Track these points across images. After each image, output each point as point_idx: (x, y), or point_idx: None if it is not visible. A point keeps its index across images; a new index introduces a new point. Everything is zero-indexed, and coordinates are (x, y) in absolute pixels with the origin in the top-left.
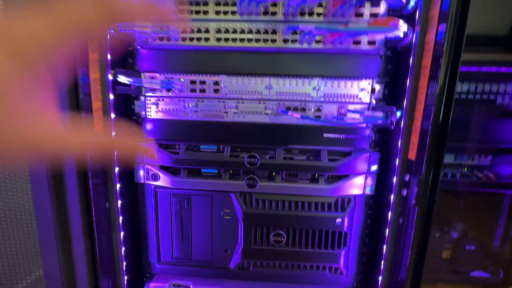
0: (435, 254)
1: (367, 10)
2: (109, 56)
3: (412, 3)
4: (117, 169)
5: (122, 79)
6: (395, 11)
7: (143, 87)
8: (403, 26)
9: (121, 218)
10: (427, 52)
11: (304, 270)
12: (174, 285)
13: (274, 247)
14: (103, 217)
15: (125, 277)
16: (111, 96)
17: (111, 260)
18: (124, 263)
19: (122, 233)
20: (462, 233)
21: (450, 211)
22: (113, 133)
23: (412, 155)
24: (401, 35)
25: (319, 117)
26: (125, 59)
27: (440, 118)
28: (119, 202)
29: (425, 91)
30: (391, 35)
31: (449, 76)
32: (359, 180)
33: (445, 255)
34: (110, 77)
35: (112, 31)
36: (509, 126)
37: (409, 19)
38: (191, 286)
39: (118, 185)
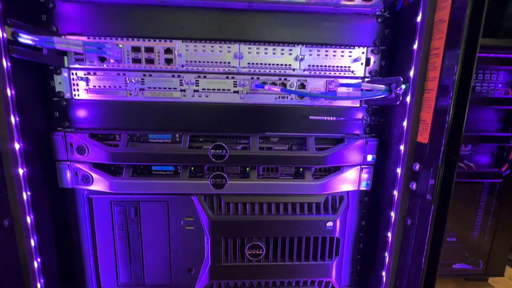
0: None
1: None
2: None
3: None
4: (23, 170)
5: (24, 38)
6: None
7: (63, 53)
8: None
9: (34, 239)
10: (441, 3)
11: None
12: None
13: (251, 263)
14: None
15: None
16: (5, 63)
17: None
18: None
19: (38, 260)
20: None
21: None
22: (14, 118)
23: (423, 138)
24: None
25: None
26: (37, 16)
27: (465, 86)
28: (30, 217)
29: (441, 52)
30: None
31: (472, 38)
32: (353, 173)
33: None
34: (4, 35)
35: None
36: (489, 114)
37: None
38: None
39: (26, 193)
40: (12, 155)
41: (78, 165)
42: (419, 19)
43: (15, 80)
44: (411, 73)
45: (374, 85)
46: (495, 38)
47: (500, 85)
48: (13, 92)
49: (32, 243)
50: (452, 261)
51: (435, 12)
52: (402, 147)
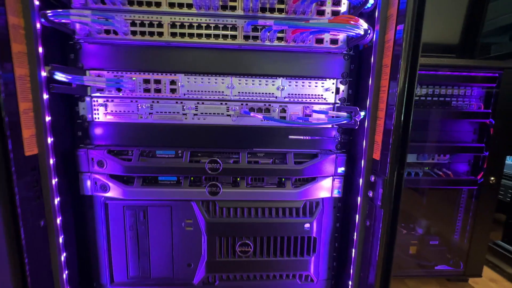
0: (403, 251)
1: (328, 8)
2: (40, 49)
3: (370, 2)
4: (55, 180)
5: (60, 76)
6: (356, 9)
7: (88, 86)
8: (363, 24)
9: (61, 237)
10: (387, 51)
11: (274, 280)
12: None
13: (241, 258)
14: (36, 238)
15: None
16: (45, 96)
17: (51, 287)
18: None
19: (64, 255)
20: (426, 229)
21: (415, 208)
22: (50, 139)
23: (376, 155)
24: (362, 32)
25: (284, 118)
26: (66, 55)
27: (402, 116)
28: (59, 219)
29: (386, 89)
30: (352, 33)
31: (409, 75)
32: (326, 183)
33: (412, 251)
34: (44, 73)
35: (43, 20)
36: (465, 126)
37: (369, 17)
38: None
39: (57, 199)
40: (48, 168)
41: (97, 176)
42: (372, 61)
43: (51, 108)
44: (367, 103)
45: (339, 113)
46: (471, 57)
47: (473, 100)
48: (49, 118)
49: (60, 240)
50: (434, 263)
51: (382, 58)
52: (362, 162)
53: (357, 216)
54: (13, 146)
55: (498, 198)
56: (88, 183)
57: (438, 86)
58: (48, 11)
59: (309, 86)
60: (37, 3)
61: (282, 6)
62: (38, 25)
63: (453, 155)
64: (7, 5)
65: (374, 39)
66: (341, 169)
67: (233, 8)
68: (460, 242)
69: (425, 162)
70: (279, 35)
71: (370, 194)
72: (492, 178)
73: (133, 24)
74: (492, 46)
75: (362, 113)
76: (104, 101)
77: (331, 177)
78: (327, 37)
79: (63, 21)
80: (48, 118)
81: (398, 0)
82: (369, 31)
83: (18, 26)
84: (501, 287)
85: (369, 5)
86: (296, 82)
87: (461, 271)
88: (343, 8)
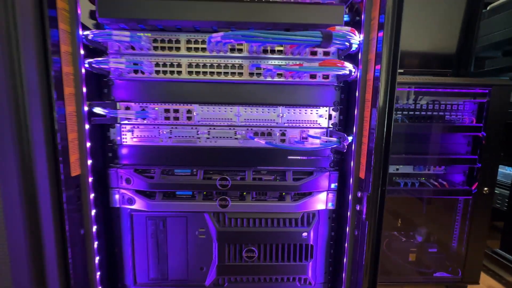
0: (402, 259)
1: (320, 49)
2: (84, 89)
3: (354, 47)
4: (92, 195)
5: (98, 110)
6: (343, 51)
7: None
8: (348, 66)
9: (96, 243)
10: (369, 88)
11: (276, 283)
12: None
13: (247, 263)
14: (78, 243)
15: None
16: (87, 127)
17: (86, 285)
18: None
19: (97, 258)
20: (425, 237)
21: (414, 217)
22: (89, 161)
23: (362, 174)
24: (347, 72)
25: (284, 140)
26: (101, 89)
27: (383, 142)
28: (94, 227)
29: (368, 119)
30: (340, 73)
31: (387, 107)
32: (321, 197)
33: (411, 259)
34: (86, 108)
35: (87, 66)
36: (459, 139)
37: (354, 58)
38: None
39: (93, 211)
40: (87, 185)
41: (125, 191)
42: (357, 95)
43: (90, 136)
44: (354, 130)
45: (329, 138)
46: (466, 71)
47: (466, 114)
48: (89, 144)
49: (95, 246)
50: (433, 270)
51: (365, 93)
52: (351, 180)
53: (347, 227)
54: (63, 169)
55: (496, 207)
56: (117, 197)
57: (432, 102)
58: (91, 60)
59: (305, 113)
60: (82, 52)
61: (281, 48)
62: (83, 71)
63: (448, 166)
64: (62, 56)
65: (358, 77)
66: (334, 185)
67: (240, 50)
68: (458, 250)
69: (421, 173)
70: (279, 72)
71: (358, 208)
72: (486, 189)
73: (157, 65)
74: (487, 61)
75: (350, 138)
76: (131, 128)
77: (326, 192)
78: (319, 73)
79: (102, 66)
80: (88, 144)
81: (375, 46)
82: (353, 71)
83: (69, 73)
84: None
85: (353, 48)
86: (294, 109)
87: (459, 278)
88: (333, 48)
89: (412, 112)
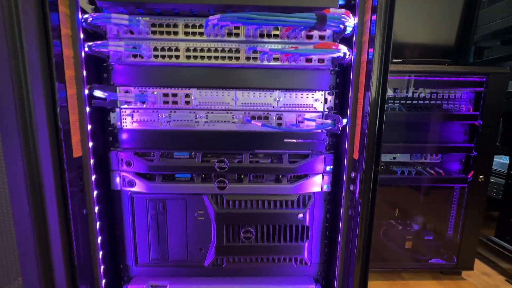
0: (399, 246)
1: (315, 32)
2: (84, 73)
3: (348, 30)
4: (94, 176)
5: (98, 93)
6: (338, 34)
7: (118, 100)
8: (343, 48)
9: (98, 223)
10: (362, 70)
11: (273, 263)
12: (151, 286)
13: (245, 243)
14: (80, 223)
15: (103, 281)
16: (87, 109)
17: (89, 265)
18: (102, 267)
19: (99, 238)
20: (422, 225)
21: (411, 206)
22: (90, 143)
23: (356, 155)
24: (342, 55)
25: (280, 124)
26: (100, 74)
27: (377, 123)
28: (96, 208)
29: (362, 101)
30: (334, 55)
31: (381, 89)
32: (317, 179)
33: (407, 246)
34: (86, 91)
35: (87, 50)
36: (456, 127)
37: (349, 41)
38: (168, 286)
39: (95, 192)
40: (88, 167)
41: (125, 174)
42: (351, 77)
43: (91, 119)
44: (348, 112)
45: (324, 120)
46: (465, 61)
47: (463, 103)
48: (90, 127)
49: (97, 226)
50: (429, 257)
51: (359, 75)
52: (345, 161)
53: (342, 208)
54: (65, 150)
55: (492, 196)
56: (118, 179)
57: (429, 90)
58: (91, 43)
59: (301, 97)
60: (81, 36)
61: (277, 32)
62: (83, 54)
63: (445, 154)
64: (62, 39)
65: (352, 60)
66: (329, 167)
67: (237, 34)
68: (453, 237)
69: (418, 161)
70: (275, 56)
71: (351, 188)
72: (481, 176)
73: (155, 49)
74: (485, 50)
75: (344, 121)
76: (131, 112)
77: (321, 174)
78: (315, 57)
79: (102, 50)
80: (89, 127)
81: (369, 29)
82: (348, 53)
83: (70, 56)
84: (493, 280)
85: (348, 32)
86: (290, 94)
87: (454, 265)
88: (328, 32)
89: (409, 101)
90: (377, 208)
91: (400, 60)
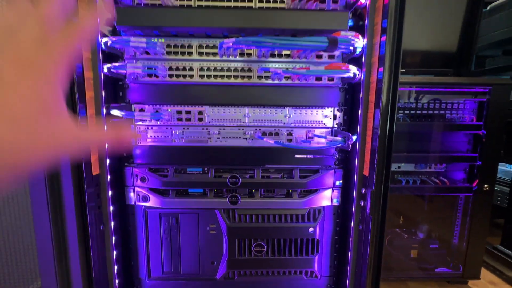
0: (405, 255)
1: (325, 53)
2: (103, 93)
3: (358, 50)
4: (110, 192)
5: (116, 112)
6: (348, 55)
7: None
8: (353, 69)
9: (114, 238)
10: (372, 90)
11: (284, 276)
12: None
13: (256, 257)
14: (98, 238)
15: None
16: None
17: (105, 278)
18: (117, 281)
19: (115, 252)
20: (427, 233)
21: (416, 214)
22: (108, 161)
23: (366, 172)
24: (352, 75)
25: (291, 140)
26: (116, 92)
27: (386, 141)
28: (112, 223)
29: (372, 120)
30: (344, 75)
31: (389, 108)
32: (327, 194)
33: (413, 255)
34: (104, 110)
35: (106, 71)
36: (460, 137)
37: (358, 61)
38: None
39: (111, 208)
40: (106, 184)
41: (140, 189)
42: (360, 96)
43: None
44: (358, 129)
45: (334, 137)
46: (468, 70)
47: (466, 112)
48: (107, 145)
49: (113, 241)
50: (435, 266)
51: (368, 94)
52: (355, 177)
53: (352, 222)
54: (85, 168)
55: (497, 204)
56: (132, 194)
57: (433, 101)
58: (110, 65)
59: (311, 113)
60: (101, 58)
61: (288, 52)
62: (102, 76)
63: (449, 164)
64: (84, 63)
65: (362, 79)
66: (338, 182)
67: (249, 54)
68: (459, 246)
69: (423, 170)
70: (286, 75)
71: (362, 204)
72: (486, 186)
73: (170, 68)
74: (487, 60)
75: (354, 137)
76: (145, 129)
77: (331, 189)
78: (324, 76)
79: (120, 71)
80: (106, 145)
81: (378, 50)
82: (357, 73)
83: (90, 78)
84: None
85: (357, 52)
86: (300, 110)
87: (460, 274)
88: (337, 52)
89: (413, 111)
90: None
91: (403, 70)
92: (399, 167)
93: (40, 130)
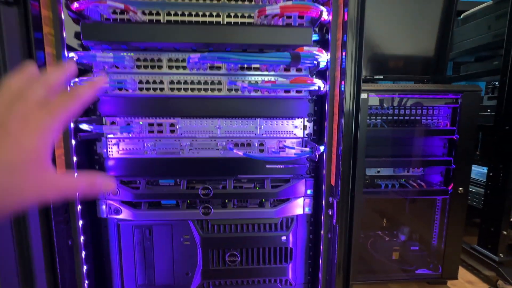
0: (386, 257)
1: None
2: None
3: (322, 65)
4: (79, 206)
5: (84, 127)
6: (313, 68)
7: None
8: (318, 82)
9: (83, 253)
10: (336, 102)
11: (258, 285)
12: None
13: (230, 267)
14: (66, 254)
15: None
16: (73, 142)
17: None
18: None
19: (85, 267)
20: (408, 236)
21: (396, 217)
22: (75, 174)
23: (333, 181)
24: (317, 88)
25: (263, 150)
26: (88, 106)
27: (351, 151)
28: (82, 238)
29: (336, 131)
30: (310, 89)
31: (353, 121)
32: (299, 202)
33: (394, 257)
34: (72, 125)
35: (73, 85)
36: (436, 141)
37: (324, 74)
38: None
39: (80, 222)
40: (74, 198)
41: (112, 202)
42: (326, 108)
43: (76, 151)
44: (325, 140)
45: (303, 148)
46: (443, 76)
47: (441, 118)
48: (76, 159)
49: (83, 256)
50: (415, 267)
51: (333, 106)
52: (324, 187)
53: (322, 230)
54: None
55: (473, 205)
56: (104, 207)
57: (409, 107)
58: (77, 79)
59: (282, 124)
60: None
61: (257, 66)
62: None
63: (426, 168)
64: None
65: (327, 91)
66: (310, 191)
67: (219, 68)
68: (438, 247)
69: (401, 174)
70: (253, 88)
71: (330, 212)
72: (460, 189)
73: (140, 82)
74: (462, 66)
75: (321, 148)
76: (117, 141)
77: (303, 197)
78: (293, 89)
79: None
80: (75, 159)
81: (340, 64)
82: (322, 86)
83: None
84: None
85: (322, 66)
86: (271, 121)
87: (439, 274)
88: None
89: (390, 117)
90: (364, 220)
91: (382, 77)
92: (378, 172)
93: (29, 177)
